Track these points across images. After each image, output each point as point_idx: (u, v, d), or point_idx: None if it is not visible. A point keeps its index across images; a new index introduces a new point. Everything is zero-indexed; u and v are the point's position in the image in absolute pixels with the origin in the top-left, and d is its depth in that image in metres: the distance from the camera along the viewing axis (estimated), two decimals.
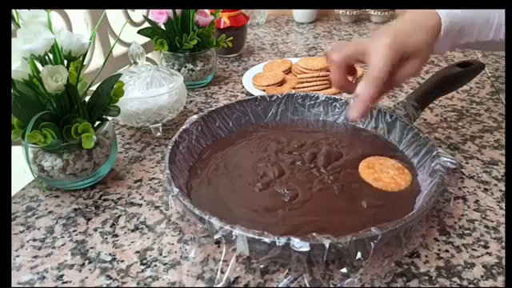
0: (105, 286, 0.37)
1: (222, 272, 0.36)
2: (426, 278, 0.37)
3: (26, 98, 0.43)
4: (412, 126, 0.51)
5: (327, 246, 0.32)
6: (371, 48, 0.46)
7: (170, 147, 0.47)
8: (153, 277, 0.38)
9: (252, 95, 0.66)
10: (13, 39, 0.40)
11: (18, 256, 0.41)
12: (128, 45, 0.78)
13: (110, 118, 0.51)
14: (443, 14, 0.46)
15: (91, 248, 0.42)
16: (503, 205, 0.46)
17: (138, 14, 0.84)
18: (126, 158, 0.57)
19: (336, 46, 0.50)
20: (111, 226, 0.45)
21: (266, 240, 0.33)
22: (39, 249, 0.42)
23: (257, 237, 0.33)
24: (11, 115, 0.44)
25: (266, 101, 0.60)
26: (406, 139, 0.52)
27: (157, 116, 0.60)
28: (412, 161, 0.50)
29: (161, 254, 0.41)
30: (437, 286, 0.36)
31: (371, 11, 1.19)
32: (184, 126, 0.52)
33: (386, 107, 0.56)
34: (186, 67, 0.75)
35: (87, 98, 0.50)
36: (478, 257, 0.39)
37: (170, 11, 0.72)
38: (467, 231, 0.42)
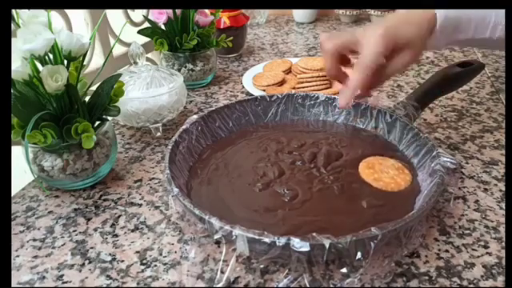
0: (105, 286, 0.37)
1: (222, 272, 0.36)
2: (426, 278, 0.37)
3: (26, 98, 0.43)
4: (412, 126, 0.51)
5: (327, 246, 0.32)
6: (363, 38, 0.46)
7: (169, 147, 0.47)
8: (153, 277, 0.38)
9: (252, 95, 0.66)
10: (13, 39, 0.40)
11: (17, 256, 0.41)
12: (128, 45, 0.78)
13: (109, 118, 0.51)
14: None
15: (91, 248, 0.42)
16: (503, 205, 0.46)
17: (138, 14, 0.84)
18: (126, 158, 0.57)
19: (330, 36, 0.51)
20: (111, 226, 0.45)
21: (266, 240, 0.33)
22: (39, 249, 0.42)
23: (257, 237, 0.33)
24: (11, 115, 0.44)
25: (266, 101, 0.60)
26: (406, 139, 0.52)
27: (157, 116, 0.60)
28: (412, 161, 0.50)
29: (161, 254, 0.41)
30: (437, 286, 0.36)
31: (371, 11, 1.19)
32: (184, 126, 0.52)
33: (386, 107, 0.56)
34: (186, 67, 0.75)
35: (87, 98, 0.50)
36: (478, 257, 0.39)
37: (170, 11, 0.72)
38: (467, 231, 0.42)
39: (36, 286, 0.38)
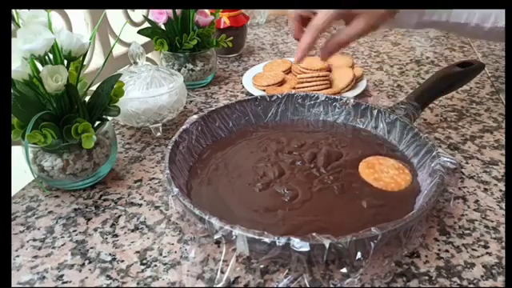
0: (105, 285, 0.37)
1: (222, 272, 0.36)
2: (426, 278, 0.37)
3: (26, 97, 0.43)
4: (412, 126, 0.51)
5: (327, 246, 0.32)
6: None
7: (169, 147, 0.47)
8: (153, 277, 0.38)
9: (252, 95, 0.66)
10: (13, 39, 0.40)
11: (17, 256, 0.41)
12: (128, 45, 0.78)
13: (109, 118, 0.51)
14: None
15: (91, 248, 0.42)
16: (503, 205, 0.46)
17: (138, 14, 0.84)
18: (126, 158, 0.57)
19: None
20: (111, 226, 0.45)
21: (266, 240, 0.33)
22: (39, 249, 0.42)
23: (257, 237, 0.33)
24: (11, 115, 0.44)
25: (266, 101, 0.60)
26: (406, 139, 0.52)
27: (157, 116, 0.60)
28: (412, 161, 0.50)
29: (161, 254, 0.41)
30: (437, 286, 0.36)
31: None
32: (184, 126, 0.52)
33: (386, 107, 0.56)
34: (186, 67, 0.75)
35: (87, 98, 0.50)
36: (478, 257, 0.39)
37: (170, 11, 0.72)
38: (467, 231, 0.42)
39: (36, 286, 0.38)
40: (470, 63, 0.60)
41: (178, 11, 0.72)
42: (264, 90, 0.73)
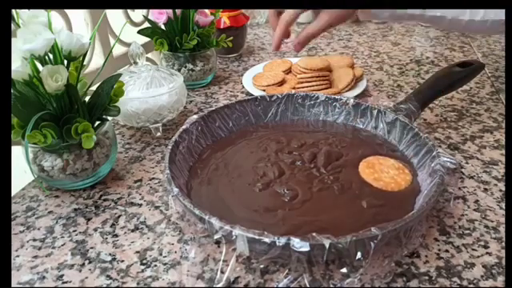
0: (105, 285, 0.37)
1: (222, 272, 0.36)
2: (426, 277, 0.37)
3: (26, 97, 0.43)
4: (412, 125, 0.51)
5: (327, 246, 0.32)
6: None
7: (169, 147, 0.47)
8: (153, 277, 0.38)
9: (252, 95, 0.66)
10: (13, 39, 0.40)
11: (17, 256, 0.41)
12: (128, 45, 0.78)
13: (109, 118, 0.51)
14: None
15: (91, 248, 0.42)
16: (503, 205, 0.46)
17: (138, 14, 0.84)
18: (126, 158, 0.57)
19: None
20: (111, 226, 0.45)
21: (266, 240, 0.33)
22: (39, 249, 0.42)
23: (257, 237, 0.33)
24: (11, 115, 0.44)
25: (266, 101, 0.60)
26: (406, 139, 0.52)
27: (157, 116, 0.60)
28: (412, 161, 0.50)
29: (161, 254, 0.41)
30: (437, 285, 0.36)
31: None
32: (184, 126, 0.52)
33: (386, 107, 0.56)
34: (186, 67, 0.75)
35: (87, 98, 0.50)
36: (478, 257, 0.39)
37: (170, 11, 0.72)
38: (467, 231, 0.42)
39: (36, 286, 0.38)
40: (469, 63, 0.60)
41: (178, 11, 0.72)
42: (264, 90, 0.73)
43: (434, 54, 0.92)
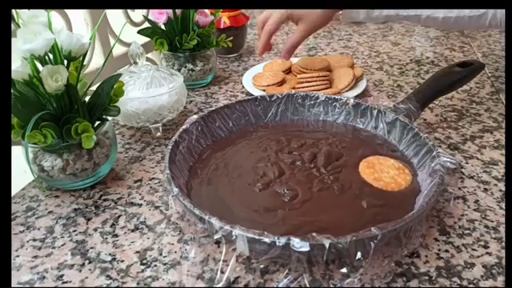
0: (105, 285, 0.37)
1: (222, 272, 0.36)
2: (426, 278, 0.37)
3: (26, 97, 0.43)
4: (412, 125, 0.51)
5: (327, 246, 0.32)
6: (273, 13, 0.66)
7: (169, 147, 0.47)
8: (153, 277, 0.38)
9: (252, 95, 0.66)
10: (13, 39, 0.40)
11: (17, 256, 0.41)
12: (128, 45, 0.78)
13: (109, 118, 0.51)
14: None
15: (91, 248, 0.42)
16: (503, 205, 0.46)
17: (138, 14, 0.84)
18: (126, 158, 0.57)
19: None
20: (111, 226, 0.45)
21: (266, 240, 0.33)
22: (39, 249, 0.42)
23: (257, 237, 0.33)
24: (11, 115, 0.44)
25: (265, 101, 0.60)
26: (406, 139, 0.52)
27: (157, 116, 0.60)
28: (412, 161, 0.50)
29: (161, 254, 0.41)
30: (437, 286, 0.36)
31: None
32: (184, 126, 0.52)
33: (386, 107, 0.56)
34: (186, 67, 0.75)
35: (87, 98, 0.50)
36: (478, 257, 0.39)
37: (170, 11, 0.72)
38: (467, 231, 0.42)
39: (36, 286, 0.38)
40: (470, 63, 0.60)
41: (178, 11, 0.72)
42: (264, 90, 0.73)
43: (434, 54, 0.92)
